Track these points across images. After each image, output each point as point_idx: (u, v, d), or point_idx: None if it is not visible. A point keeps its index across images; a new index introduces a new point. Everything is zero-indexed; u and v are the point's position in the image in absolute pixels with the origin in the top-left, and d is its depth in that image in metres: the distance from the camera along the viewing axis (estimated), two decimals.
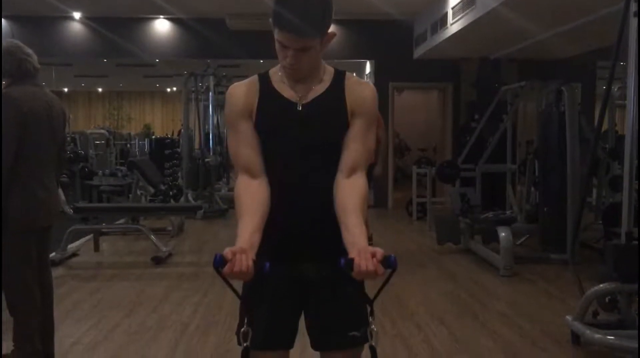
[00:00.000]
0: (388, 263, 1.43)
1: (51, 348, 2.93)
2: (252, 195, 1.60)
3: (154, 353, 3.17)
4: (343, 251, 1.64)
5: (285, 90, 1.63)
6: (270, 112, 1.63)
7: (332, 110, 1.62)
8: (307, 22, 1.51)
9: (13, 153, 2.67)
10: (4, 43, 2.79)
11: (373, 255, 1.44)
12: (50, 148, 2.86)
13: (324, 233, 1.62)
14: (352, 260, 1.45)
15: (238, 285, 1.66)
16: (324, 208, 1.60)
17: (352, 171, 1.62)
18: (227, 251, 1.46)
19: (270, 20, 1.54)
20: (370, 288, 1.63)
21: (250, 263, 1.46)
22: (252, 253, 1.50)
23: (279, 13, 1.51)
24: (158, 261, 5.31)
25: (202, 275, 4.92)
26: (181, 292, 4.41)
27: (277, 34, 1.54)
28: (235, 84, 1.69)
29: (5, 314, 2.83)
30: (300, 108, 1.61)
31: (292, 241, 1.63)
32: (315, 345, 1.71)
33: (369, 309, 1.60)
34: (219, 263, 1.44)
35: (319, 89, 1.63)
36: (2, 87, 2.76)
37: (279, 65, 1.65)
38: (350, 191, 1.59)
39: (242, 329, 1.58)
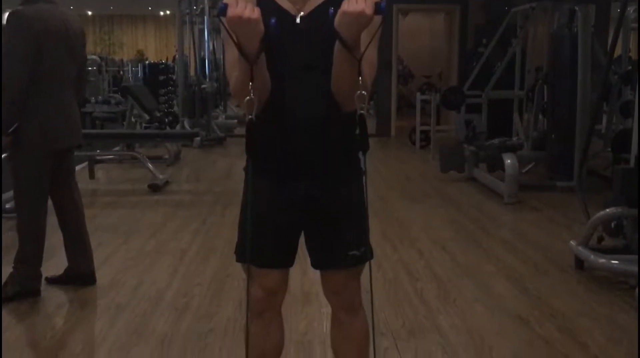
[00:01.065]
0: (378, 8, 1.31)
1: (88, 266, 2.98)
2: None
3: (152, 278, 3.16)
4: (343, 171, 1.59)
5: (283, 1, 1.52)
6: (269, 25, 1.50)
7: (332, 22, 1.50)
8: None
9: (27, 74, 2.60)
10: None
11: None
12: (69, 68, 2.77)
13: (325, 151, 1.56)
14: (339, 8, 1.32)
15: (237, 205, 1.59)
16: (326, 125, 1.53)
17: None
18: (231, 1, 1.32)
19: None
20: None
21: (257, 9, 1.32)
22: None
23: None
24: (155, 188, 5.26)
25: (200, 202, 4.88)
26: (179, 219, 4.38)
27: None
28: None
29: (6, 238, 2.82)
30: (299, 21, 1.51)
31: (292, 160, 1.57)
32: (315, 264, 1.70)
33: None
34: (224, 11, 1.30)
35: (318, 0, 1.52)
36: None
37: None
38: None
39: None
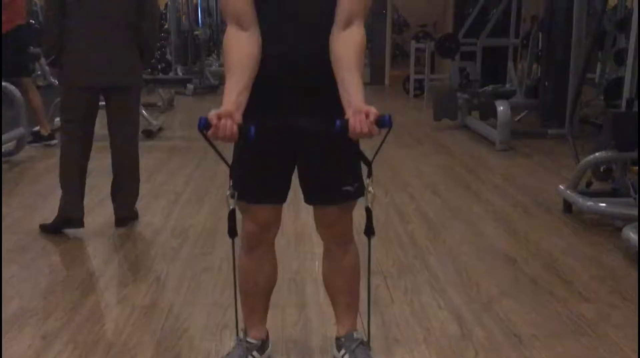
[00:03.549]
0: (382, 122, 1.45)
1: (125, 210, 3.06)
2: (241, 48, 1.53)
3: (148, 220, 3.20)
4: (336, 105, 1.60)
5: None
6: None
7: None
8: None
9: (56, 6, 2.74)
10: None
11: (367, 115, 1.43)
12: (110, 7, 2.78)
13: (318, 85, 1.57)
14: (347, 121, 1.45)
15: (230, 150, 1.62)
16: (319, 60, 1.54)
17: (348, 23, 1.53)
18: (212, 115, 1.43)
19: None
20: (366, 147, 1.59)
21: (235, 128, 1.44)
22: (239, 114, 1.47)
23: None
24: (149, 134, 5.26)
25: (193, 148, 4.88)
26: (173, 164, 4.41)
27: None
28: None
29: None
30: None
31: (285, 94, 1.58)
32: (309, 200, 1.72)
33: (367, 170, 1.62)
34: (204, 126, 1.43)
35: None
36: None
37: None
38: (346, 45, 1.52)
39: (228, 192, 1.60)
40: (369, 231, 1.66)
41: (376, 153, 1.56)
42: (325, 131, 1.59)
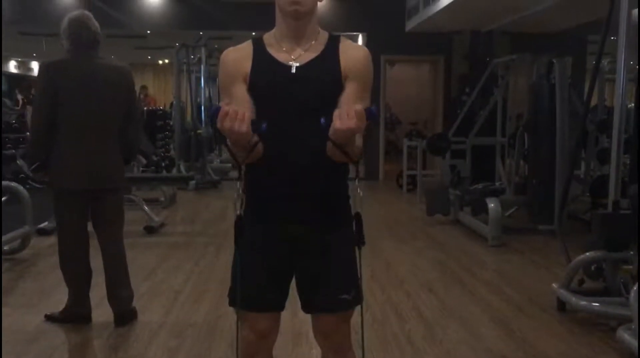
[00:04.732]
0: (369, 114, 1.41)
1: (122, 308, 3.10)
2: None
3: (147, 319, 3.21)
4: (335, 215, 1.66)
5: (279, 54, 1.62)
6: (264, 75, 1.61)
7: (327, 72, 1.61)
8: None
9: (45, 117, 2.85)
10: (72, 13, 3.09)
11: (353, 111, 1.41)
12: (94, 115, 2.91)
13: (317, 196, 1.63)
14: (332, 119, 1.43)
15: (230, 246, 1.67)
16: (319, 171, 1.61)
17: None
18: (224, 105, 1.44)
19: None
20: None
21: (247, 116, 1.43)
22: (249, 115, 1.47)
23: None
24: (150, 230, 5.34)
25: (194, 244, 4.95)
26: (173, 261, 4.45)
27: None
28: (229, 48, 1.68)
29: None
30: (295, 71, 1.60)
31: (285, 203, 1.63)
32: (306, 308, 1.74)
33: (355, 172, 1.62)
34: (214, 114, 1.41)
35: (313, 52, 1.62)
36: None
37: (273, 30, 1.66)
38: None
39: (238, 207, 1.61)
40: (360, 240, 1.61)
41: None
42: (321, 239, 1.64)
